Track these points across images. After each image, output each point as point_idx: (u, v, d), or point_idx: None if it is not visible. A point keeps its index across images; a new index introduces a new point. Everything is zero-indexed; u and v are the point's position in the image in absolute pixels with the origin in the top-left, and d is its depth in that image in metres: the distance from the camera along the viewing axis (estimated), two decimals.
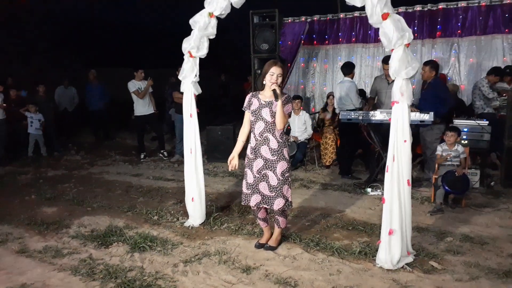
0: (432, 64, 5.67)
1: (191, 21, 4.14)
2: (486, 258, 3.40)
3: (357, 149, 6.87)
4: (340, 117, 5.68)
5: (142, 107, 7.73)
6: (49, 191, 5.63)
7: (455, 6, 7.54)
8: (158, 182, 6.09)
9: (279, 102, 3.33)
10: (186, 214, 4.40)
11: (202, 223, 4.28)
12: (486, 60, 7.46)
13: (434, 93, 5.50)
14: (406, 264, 3.25)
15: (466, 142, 5.52)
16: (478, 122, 5.66)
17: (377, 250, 3.33)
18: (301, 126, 6.99)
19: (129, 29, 11.48)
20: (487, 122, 5.68)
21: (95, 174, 6.71)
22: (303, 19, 8.75)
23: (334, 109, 6.99)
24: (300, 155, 6.85)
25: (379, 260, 3.29)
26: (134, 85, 7.63)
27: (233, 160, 3.61)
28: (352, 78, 6.32)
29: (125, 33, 11.46)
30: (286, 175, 3.47)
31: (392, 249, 3.23)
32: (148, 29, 12.01)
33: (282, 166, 3.44)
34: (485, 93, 6.38)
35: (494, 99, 6.36)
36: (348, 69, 6.34)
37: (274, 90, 3.33)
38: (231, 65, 12.04)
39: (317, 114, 8.12)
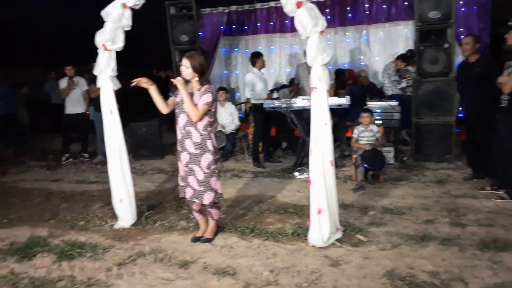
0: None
1: (103, 13, 3.95)
2: (405, 227, 3.73)
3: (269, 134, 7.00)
4: (264, 105, 5.80)
5: (71, 106, 7.30)
6: None
7: None
8: (81, 186, 5.75)
9: (184, 94, 3.28)
10: (115, 217, 4.22)
11: (133, 223, 4.14)
12: (392, 45, 8.10)
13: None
14: (336, 240, 3.45)
15: (380, 122, 5.97)
16: (388, 103, 6.15)
17: (308, 230, 3.49)
18: (228, 118, 7.04)
19: (36, 27, 10.54)
20: (397, 102, 6.19)
21: (9, 183, 6.13)
22: (220, 9, 8.74)
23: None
24: (230, 146, 6.91)
25: (311, 239, 3.45)
26: (63, 83, 7.28)
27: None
28: (259, 68, 6.28)
29: (33, 31, 10.51)
30: (212, 168, 3.44)
31: (322, 227, 3.40)
32: (57, 25, 11.11)
33: (206, 158, 3.41)
34: (390, 76, 6.97)
35: (399, 81, 6.95)
36: (251, 59, 6.38)
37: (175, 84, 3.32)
38: (153, 58, 11.62)
39: (242, 105, 8.21)
